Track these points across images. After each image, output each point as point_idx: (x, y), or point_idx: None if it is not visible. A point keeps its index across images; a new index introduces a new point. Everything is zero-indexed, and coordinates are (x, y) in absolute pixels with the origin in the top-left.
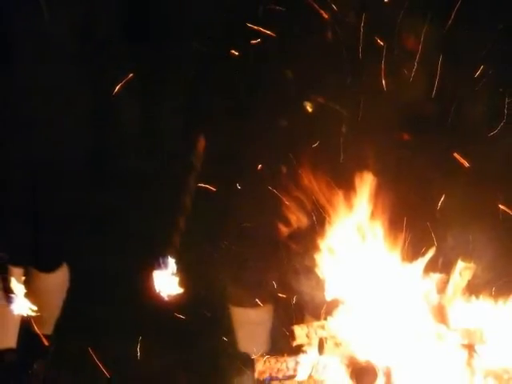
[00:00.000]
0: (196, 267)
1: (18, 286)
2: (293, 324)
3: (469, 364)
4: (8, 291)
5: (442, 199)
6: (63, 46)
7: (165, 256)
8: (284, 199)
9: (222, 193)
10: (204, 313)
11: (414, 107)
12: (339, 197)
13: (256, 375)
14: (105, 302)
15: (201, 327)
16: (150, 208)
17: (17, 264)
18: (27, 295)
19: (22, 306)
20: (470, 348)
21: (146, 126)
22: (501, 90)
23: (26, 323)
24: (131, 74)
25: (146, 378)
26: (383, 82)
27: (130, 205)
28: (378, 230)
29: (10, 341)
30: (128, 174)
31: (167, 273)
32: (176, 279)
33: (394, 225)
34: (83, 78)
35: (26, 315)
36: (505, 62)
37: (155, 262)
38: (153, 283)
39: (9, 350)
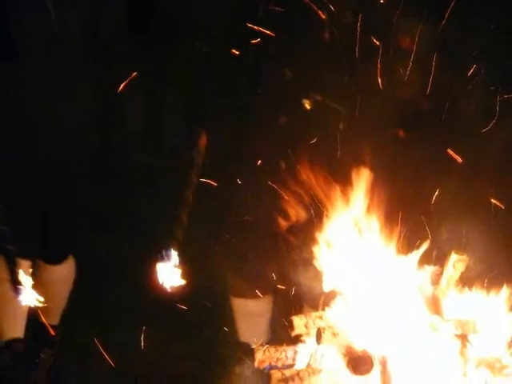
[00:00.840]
0: (198, 260)
1: (25, 278)
2: (292, 314)
3: (462, 353)
4: (16, 283)
5: (436, 194)
6: (69, 44)
7: (168, 249)
8: (283, 194)
9: (223, 188)
10: (205, 304)
11: (409, 105)
12: (336, 191)
13: (256, 364)
14: (110, 293)
15: (202, 318)
16: (154, 202)
17: (25, 257)
18: (34, 287)
19: (29, 297)
20: (463, 338)
21: (150, 124)
22: (493, 88)
23: (33, 314)
24: (135, 73)
25: (150, 366)
26: (379, 80)
27: (134, 199)
28: (373, 223)
29: (18, 331)
30: (133, 169)
31: (170, 265)
32: (178, 271)
33: (390, 218)
34: (89, 76)
35: (33, 306)
36: (497, 60)
37: (158, 254)
38: (156, 275)
39: (17, 340)
